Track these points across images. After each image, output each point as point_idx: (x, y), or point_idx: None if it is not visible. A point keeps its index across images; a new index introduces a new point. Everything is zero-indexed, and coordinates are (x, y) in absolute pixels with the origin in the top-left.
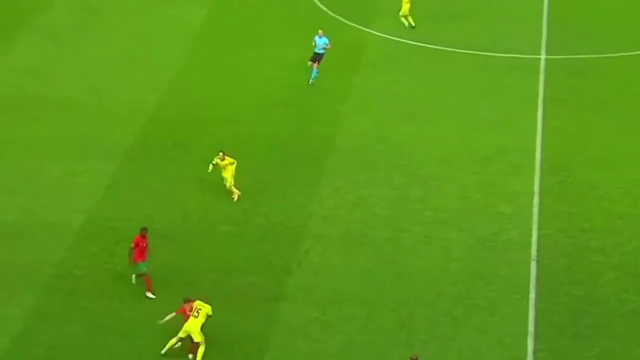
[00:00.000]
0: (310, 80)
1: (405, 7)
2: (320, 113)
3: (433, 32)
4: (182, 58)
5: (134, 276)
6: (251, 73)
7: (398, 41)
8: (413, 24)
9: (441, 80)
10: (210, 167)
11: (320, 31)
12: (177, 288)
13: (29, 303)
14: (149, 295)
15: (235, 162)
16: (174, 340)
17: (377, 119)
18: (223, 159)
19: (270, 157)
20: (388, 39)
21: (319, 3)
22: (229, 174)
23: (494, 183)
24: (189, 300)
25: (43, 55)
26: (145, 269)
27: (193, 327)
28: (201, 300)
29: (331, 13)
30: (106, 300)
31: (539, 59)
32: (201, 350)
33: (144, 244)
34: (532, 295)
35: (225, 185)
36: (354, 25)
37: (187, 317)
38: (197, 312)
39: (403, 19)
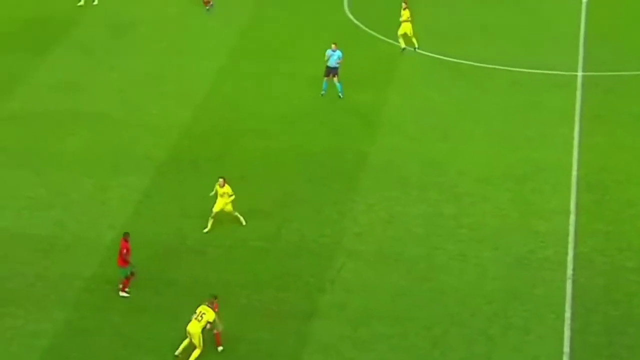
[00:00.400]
0: (322, 92)
1: (406, 27)
2: (353, 128)
3: (468, 47)
4: (215, 72)
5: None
6: (284, 87)
7: (432, 56)
8: (416, 45)
9: (476, 96)
10: (213, 192)
11: (333, 45)
12: None
13: (60, 318)
14: (123, 294)
15: (234, 196)
16: (186, 342)
17: (411, 135)
18: (222, 186)
19: (302, 173)
20: (422, 54)
21: (352, 17)
22: (223, 204)
23: (530, 201)
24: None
25: (76, 69)
26: (132, 270)
27: (194, 329)
28: (209, 305)
29: (364, 27)
30: (137, 316)
31: (576, 75)
32: (196, 353)
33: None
34: (567, 315)
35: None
36: (387, 40)
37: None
38: (201, 316)
39: (401, 39)
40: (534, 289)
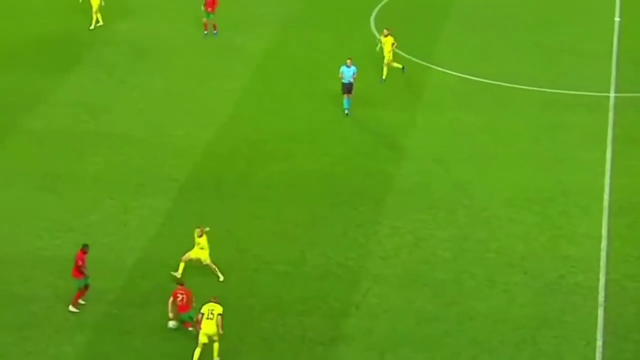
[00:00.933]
0: (346, 111)
1: (389, 56)
2: (379, 149)
3: (497, 68)
4: (239, 92)
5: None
6: (309, 106)
7: (460, 77)
8: (384, 77)
9: (505, 117)
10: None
11: (348, 60)
12: (231, 328)
13: (81, 341)
14: (72, 309)
15: (207, 250)
16: (199, 350)
17: (439, 157)
18: (200, 236)
19: (327, 195)
20: (450, 74)
21: (378, 35)
22: (198, 253)
23: (560, 225)
24: (181, 284)
25: (98, 89)
26: (85, 283)
27: (211, 329)
28: (214, 301)
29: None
30: (158, 340)
31: (608, 96)
32: (217, 347)
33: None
34: (599, 343)
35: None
36: (415, 59)
37: (180, 305)
38: (212, 313)
39: (395, 66)
40: (563, 315)
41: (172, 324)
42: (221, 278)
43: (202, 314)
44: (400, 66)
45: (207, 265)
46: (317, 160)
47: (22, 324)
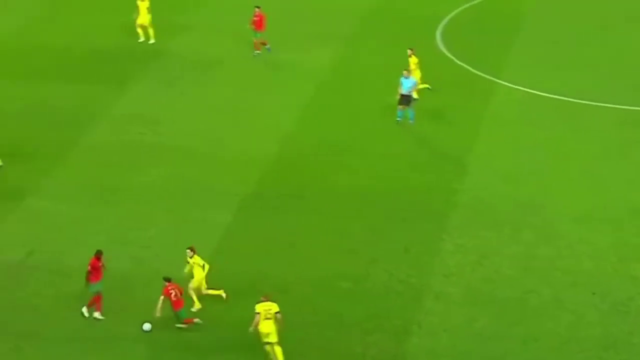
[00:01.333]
0: (398, 119)
1: (416, 75)
2: (443, 165)
3: (568, 83)
4: (301, 106)
5: (84, 309)
6: (371, 122)
7: (529, 92)
8: (416, 96)
9: (575, 133)
10: (186, 269)
11: (404, 72)
12: (291, 344)
13: (140, 355)
14: (97, 315)
15: (207, 267)
16: (268, 348)
17: (504, 173)
18: (191, 257)
19: (390, 211)
20: (517, 89)
21: (444, 50)
22: (196, 277)
23: (630, 244)
24: (169, 280)
25: (158, 101)
26: (100, 288)
27: (270, 328)
28: (266, 299)
29: (457, 61)
30: (220, 355)
31: None
32: (280, 350)
33: (99, 265)
34: None
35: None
36: (481, 74)
37: (174, 301)
38: (269, 313)
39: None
40: (631, 337)
41: (147, 326)
42: (224, 296)
43: (259, 314)
44: (428, 86)
45: (206, 293)
46: (378, 174)
47: (80, 338)
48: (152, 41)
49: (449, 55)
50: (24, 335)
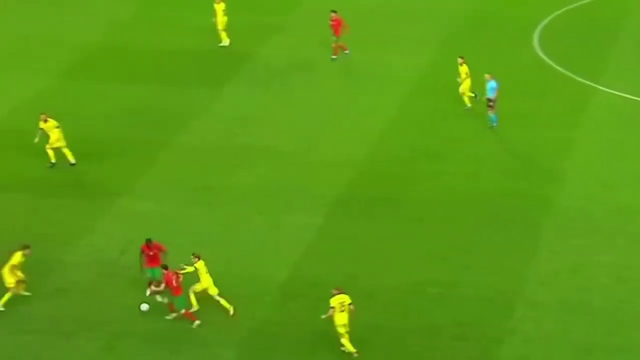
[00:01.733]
0: (494, 125)
1: (465, 85)
2: (537, 171)
3: None
4: (394, 109)
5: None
6: (465, 127)
7: (629, 98)
8: (469, 104)
9: None
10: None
11: (486, 75)
12: (378, 349)
13: (226, 358)
14: (159, 299)
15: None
16: (343, 340)
17: (601, 180)
18: (195, 262)
19: (482, 217)
20: (616, 95)
21: (542, 55)
22: (203, 281)
23: None
24: (167, 267)
25: (252, 103)
26: (152, 274)
27: (344, 319)
28: (339, 292)
29: (556, 66)
30: (305, 359)
31: None
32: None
33: (150, 253)
34: None
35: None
36: (579, 79)
37: (173, 286)
38: (343, 305)
39: (467, 95)
40: None
41: (145, 307)
42: (232, 312)
43: (333, 308)
44: (473, 94)
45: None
46: (470, 180)
47: (171, 339)
48: (222, 44)
49: (546, 59)
50: (116, 334)
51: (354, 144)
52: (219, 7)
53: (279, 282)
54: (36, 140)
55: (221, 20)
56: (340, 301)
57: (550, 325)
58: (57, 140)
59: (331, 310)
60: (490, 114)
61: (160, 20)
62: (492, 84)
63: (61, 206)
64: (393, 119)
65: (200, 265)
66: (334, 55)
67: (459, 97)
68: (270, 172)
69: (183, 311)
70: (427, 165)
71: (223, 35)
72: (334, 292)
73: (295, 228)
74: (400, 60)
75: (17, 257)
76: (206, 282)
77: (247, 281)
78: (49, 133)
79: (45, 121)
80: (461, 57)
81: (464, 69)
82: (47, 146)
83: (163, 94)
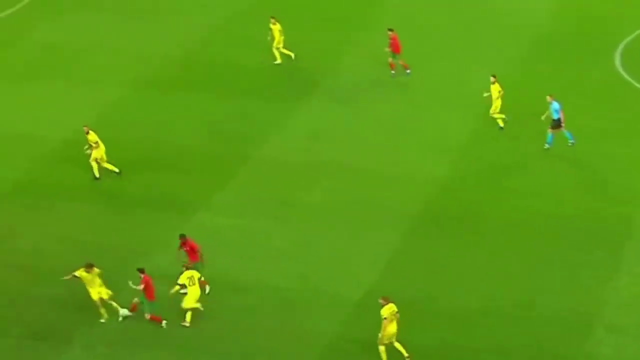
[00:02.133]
0: (546, 146)
1: (497, 104)
2: (617, 190)
3: None
4: (472, 125)
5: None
6: (540, 144)
7: None
8: (501, 125)
9: None
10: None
11: (548, 97)
12: None
13: None
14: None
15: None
16: (397, 346)
17: None
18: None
19: (559, 236)
20: None
21: (624, 73)
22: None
23: None
24: (143, 271)
25: (330, 119)
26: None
27: (394, 328)
28: (387, 301)
29: (636, 84)
30: None
31: None
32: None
33: (187, 248)
34: None
35: None
36: None
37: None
38: (394, 314)
39: (497, 117)
40: None
41: (124, 312)
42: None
43: (386, 318)
44: (503, 116)
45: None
46: (548, 198)
47: (243, 355)
48: (277, 62)
49: (628, 78)
50: (190, 349)
51: (431, 160)
52: (275, 28)
53: (354, 299)
54: (87, 150)
55: (278, 39)
56: (390, 311)
57: (631, 349)
58: (101, 155)
59: (385, 321)
60: (550, 132)
61: (240, 35)
62: (555, 105)
63: (140, 219)
64: (470, 135)
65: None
66: (393, 70)
67: (536, 114)
68: (348, 188)
69: (148, 316)
70: (505, 183)
71: (277, 53)
72: (382, 302)
73: (371, 245)
74: (477, 78)
75: (79, 272)
76: (196, 293)
77: (321, 298)
78: (94, 145)
79: (87, 133)
80: (493, 76)
81: (495, 88)
82: (90, 159)
83: (242, 109)
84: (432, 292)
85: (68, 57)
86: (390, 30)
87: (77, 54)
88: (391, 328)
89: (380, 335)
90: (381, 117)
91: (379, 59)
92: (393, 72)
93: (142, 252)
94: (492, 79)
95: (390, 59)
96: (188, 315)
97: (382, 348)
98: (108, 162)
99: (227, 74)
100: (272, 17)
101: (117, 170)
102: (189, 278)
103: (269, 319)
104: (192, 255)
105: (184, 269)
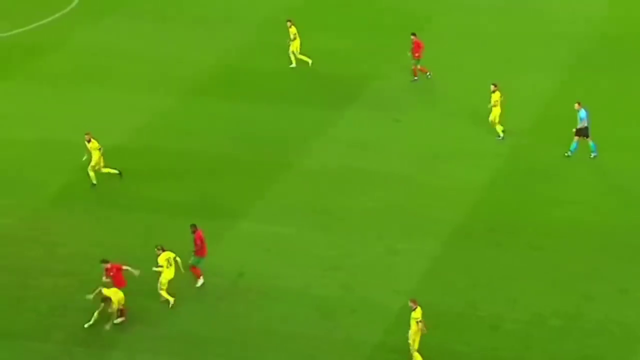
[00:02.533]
0: (568, 153)
1: (495, 112)
2: None
3: None
4: (514, 134)
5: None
6: (587, 154)
7: None
8: (500, 135)
9: None
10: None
11: (576, 105)
12: None
13: None
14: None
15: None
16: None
17: None
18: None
19: (607, 249)
20: None
21: None
22: (170, 273)
23: None
24: (106, 261)
25: (373, 127)
26: (192, 262)
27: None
28: (416, 304)
29: None
30: None
31: None
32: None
33: (197, 240)
34: None
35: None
36: None
37: (116, 280)
38: (419, 322)
39: (498, 127)
40: None
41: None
42: (171, 302)
43: (422, 321)
44: (502, 128)
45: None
46: (593, 209)
47: None
48: (293, 65)
49: None
50: (233, 358)
51: (473, 169)
52: (291, 31)
53: (394, 308)
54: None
55: (295, 43)
56: (415, 318)
57: None
58: (97, 162)
59: (421, 324)
60: (576, 140)
61: (281, 43)
62: (582, 113)
63: (182, 226)
64: (514, 144)
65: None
66: (415, 77)
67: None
68: (389, 197)
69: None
70: (550, 192)
71: (292, 57)
72: (412, 305)
73: (413, 254)
74: (526, 84)
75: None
76: (170, 274)
77: (362, 306)
78: (92, 153)
79: (89, 141)
80: (494, 84)
81: (496, 96)
82: (89, 168)
83: (285, 116)
84: (473, 301)
85: (110, 64)
86: (413, 34)
87: (119, 61)
88: (416, 335)
89: (411, 339)
90: (421, 125)
91: (424, 66)
92: (416, 78)
93: (184, 261)
94: (492, 87)
95: (413, 65)
96: (164, 293)
97: (416, 355)
98: (106, 166)
99: (271, 82)
100: (289, 20)
101: (117, 171)
102: (167, 260)
103: (310, 328)
104: (199, 247)
105: (160, 251)
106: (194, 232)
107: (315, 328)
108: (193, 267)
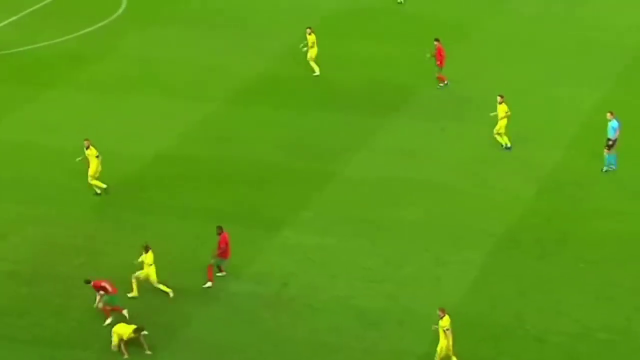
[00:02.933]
0: (611, 167)
1: (501, 124)
2: None
3: None
4: (563, 145)
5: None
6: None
7: None
8: (509, 144)
9: None
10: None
11: (608, 114)
12: None
13: None
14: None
15: (153, 266)
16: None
17: None
18: (146, 252)
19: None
20: None
21: None
22: (150, 272)
23: None
24: (88, 281)
25: (419, 136)
26: (213, 262)
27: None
28: (444, 313)
29: None
30: None
31: None
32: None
33: (222, 243)
34: None
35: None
36: None
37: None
38: (445, 331)
39: (498, 137)
40: None
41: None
42: (171, 294)
43: (449, 329)
44: (506, 139)
45: (152, 283)
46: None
47: None
48: (316, 73)
49: None
50: None
51: (520, 179)
52: (310, 39)
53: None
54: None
55: (312, 51)
56: (442, 327)
57: None
58: (96, 171)
59: (448, 332)
60: (606, 154)
61: (329, 51)
62: (613, 123)
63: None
64: (563, 155)
65: (147, 258)
66: (440, 84)
67: (628, 132)
68: (435, 207)
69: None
70: (594, 203)
71: (312, 64)
72: (441, 314)
73: (459, 265)
74: (572, 95)
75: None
76: (147, 272)
77: (408, 317)
78: (90, 160)
79: (88, 147)
80: (500, 96)
81: (503, 108)
82: (89, 178)
83: (330, 124)
84: (519, 313)
85: (156, 72)
86: (437, 40)
87: (165, 69)
88: (444, 343)
89: (439, 348)
90: (467, 134)
91: (467, 75)
92: (441, 84)
93: (228, 269)
94: (499, 98)
95: (436, 73)
96: (162, 287)
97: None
98: (98, 178)
99: (316, 90)
100: (309, 28)
101: (104, 186)
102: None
103: (356, 339)
104: (222, 249)
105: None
106: (219, 234)
107: (361, 339)
108: (210, 267)
